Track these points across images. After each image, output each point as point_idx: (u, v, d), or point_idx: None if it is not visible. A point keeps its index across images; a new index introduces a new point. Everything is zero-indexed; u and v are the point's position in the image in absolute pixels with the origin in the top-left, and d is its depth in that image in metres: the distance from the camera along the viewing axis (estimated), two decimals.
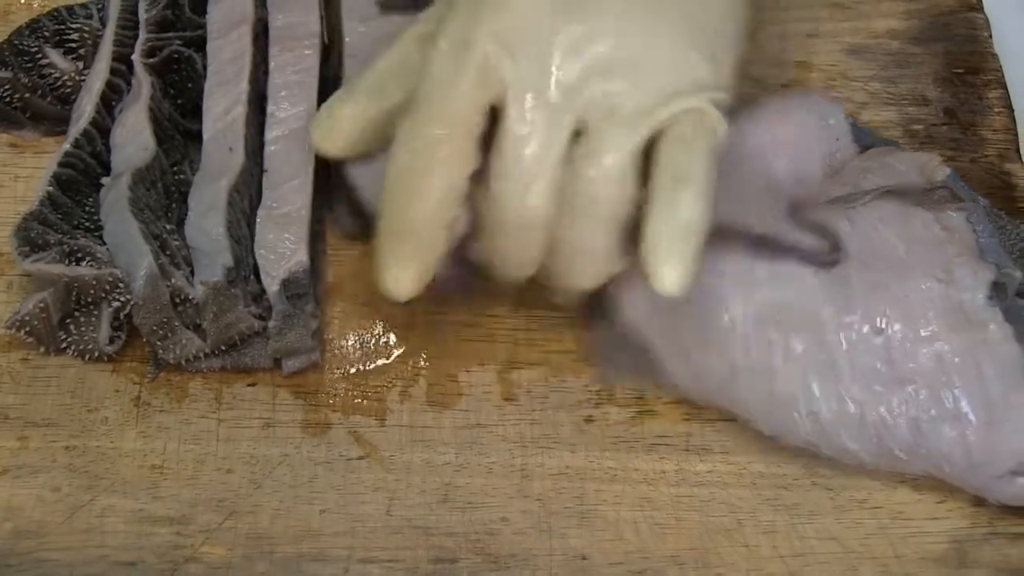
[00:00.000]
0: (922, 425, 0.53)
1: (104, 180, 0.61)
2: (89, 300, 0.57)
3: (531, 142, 0.50)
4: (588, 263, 0.54)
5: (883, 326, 0.54)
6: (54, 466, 0.55)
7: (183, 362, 0.57)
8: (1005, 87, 0.70)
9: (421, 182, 0.51)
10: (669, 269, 0.50)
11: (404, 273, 0.53)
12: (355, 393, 0.59)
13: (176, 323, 0.56)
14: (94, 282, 0.56)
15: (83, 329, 0.57)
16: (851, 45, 0.73)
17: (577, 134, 0.51)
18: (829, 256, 0.56)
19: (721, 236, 0.54)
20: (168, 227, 0.58)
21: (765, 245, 0.57)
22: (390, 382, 0.59)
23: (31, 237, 0.57)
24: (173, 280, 0.56)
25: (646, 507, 0.56)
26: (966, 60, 0.70)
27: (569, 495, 0.56)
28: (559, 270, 0.54)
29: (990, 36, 0.73)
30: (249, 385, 0.58)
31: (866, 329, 0.54)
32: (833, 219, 0.57)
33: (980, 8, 0.74)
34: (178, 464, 0.56)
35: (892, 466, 0.55)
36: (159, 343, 0.56)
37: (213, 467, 0.56)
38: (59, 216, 0.59)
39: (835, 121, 0.64)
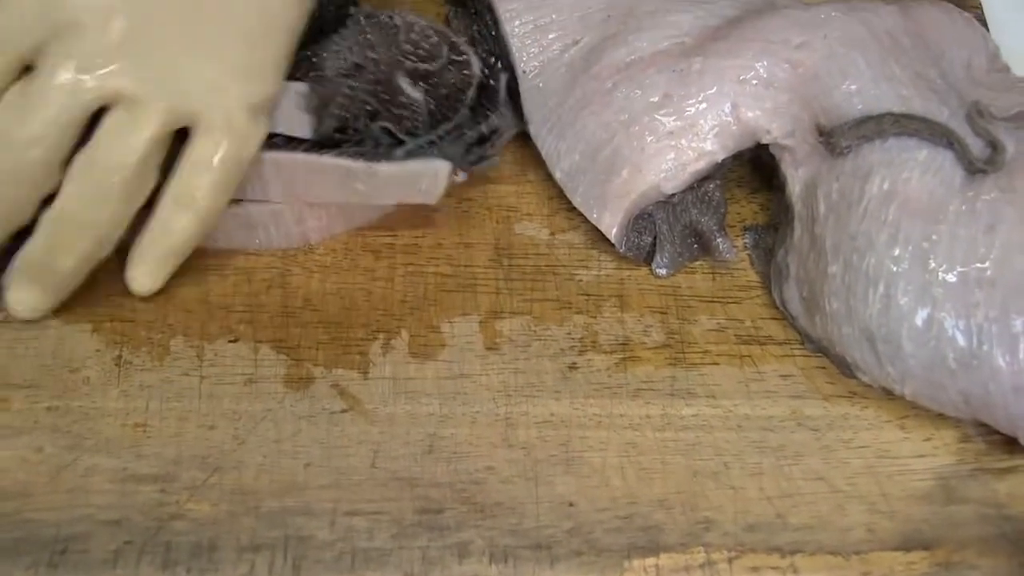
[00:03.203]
0: (984, 334, 0.53)
1: None
2: None
3: (45, 93, 0.52)
4: (85, 238, 0.55)
5: (995, 234, 0.54)
6: (36, 427, 0.55)
7: None
8: (985, 23, 0.70)
9: None
10: (141, 281, 0.57)
11: None
12: (337, 346, 0.58)
13: None
14: None
15: None
16: None
17: (103, 110, 0.53)
18: (984, 165, 0.56)
19: (903, 120, 0.57)
20: None
21: (939, 133, 0.57)
22: (372, 335, 0.59)
23: None
24: None
25: (632, 452, 0.56)
26: None
27: (554, 443, 0.56)
28: (49, 243, 0.55)
29: None
30: (231, 341, 0.58)
31: (980, 234, 0.54)
32: (1002, 134, 0.58)
33: None
34: (161, 422, 0.55)
35: (929, 388, 0.55)
36: None
37: (196, 424, 0.55)
38: None
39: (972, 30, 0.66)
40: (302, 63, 0.60)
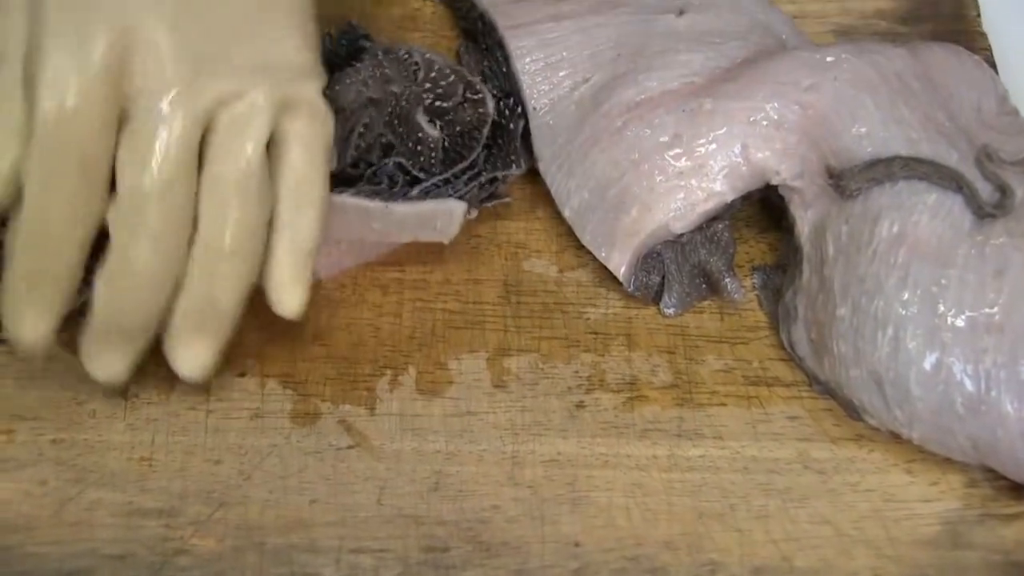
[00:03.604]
0: (992, 380, 0.53)
1: None
2: None
3: (159, 132, 0.49)
4: (239, 263, 0.52)
5: (1003, 279, 0.54)
6: (41, 460, 0.55)
7: None
8: (994, 65, 0.70)
9: (59, 214, 0.50)
10: (291, 298, 0.53)
11: (43, 319, 0.51)
12: (344, 382, 0.58)
13: None
14: None
15: None
16: (839, 25, 0.73)
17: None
18: (993, 209, 0.56)
19: (912, 164, 0.57)
20: None
21: (948, 177, 0.56)
22: (379, 371, 0.59)
23: None
24: None
25: (638, 493, 0.56)
26: (955, 39, 0.70)
27: (560, 482, 0.56)
28: (205, 284, 0.52)
29: (978, 15, 0.73)
30: (238, 376, 0.58)
31: (988, 279, 0.54)
32: (1013, 178, 0.57)
33: None
34: (167, 456, 0.55)
35: (937, 433, 0.55)
36: None
37: (202, 458, 0.55)
38: None
39: (981, 73, 0.65)
40: None
